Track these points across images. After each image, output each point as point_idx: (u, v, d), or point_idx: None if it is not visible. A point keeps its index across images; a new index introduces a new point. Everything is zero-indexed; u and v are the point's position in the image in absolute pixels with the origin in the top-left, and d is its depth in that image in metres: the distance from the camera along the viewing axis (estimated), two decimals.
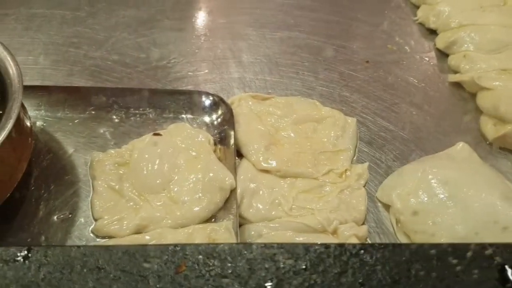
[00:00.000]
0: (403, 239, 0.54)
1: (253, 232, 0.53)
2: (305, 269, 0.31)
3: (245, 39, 0.76)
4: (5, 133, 0.47)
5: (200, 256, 0.31)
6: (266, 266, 0.31)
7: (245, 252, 0.32)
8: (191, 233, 0.51)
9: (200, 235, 0.50)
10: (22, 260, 0.30)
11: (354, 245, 0.32)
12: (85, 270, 0.30)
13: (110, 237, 0.51)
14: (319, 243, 0.33)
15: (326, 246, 0.32)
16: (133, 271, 0.30)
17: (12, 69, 0.51)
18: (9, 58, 0.52)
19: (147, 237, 0.50)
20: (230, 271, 0.31)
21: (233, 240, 0.50)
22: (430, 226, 0.53)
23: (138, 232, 0.51)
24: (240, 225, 0.53)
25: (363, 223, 0.55)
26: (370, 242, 0.53)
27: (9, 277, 0.30)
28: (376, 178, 0.60)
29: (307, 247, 0.32)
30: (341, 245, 0.32)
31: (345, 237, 0.51)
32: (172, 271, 0.30)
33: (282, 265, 0.31)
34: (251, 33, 0.77)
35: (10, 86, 0.50)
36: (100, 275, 0.30)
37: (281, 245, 0.32)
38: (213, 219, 0.53)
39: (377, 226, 0.56)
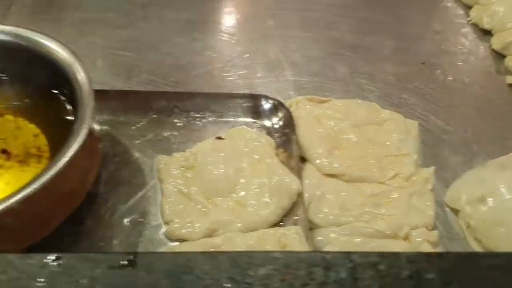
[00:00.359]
0: (474, 245, 0.53)
1: (321, 238, 0.52)
2: (410, 277, 0.31)
3: (297, 41, 0.76)
4: (80, 139, 0.47)
5: (303, 264, 0.31)
6: (370, 275, 0.31)
7: (346, 260, 0.32)
8: (262, 237, 0.51)
9: (270, 239, 0.50)
10: (128, 267, 0.30)
11: (455, 254, 0.32)
12: (192, 278, 0.30)
13: (182, 240, 0.52)
14: (413, 252, 0.33)
15: (428, 255, 0.32)
16: (239, 279, 0.30)
17: (80, 74, 0.52)
18: (77, 64, 0.53)
19: (218, 241, 0.51)
20: (334, 280, 0.31)
21: (304, 245, 0.50)
22: (502, 232, 0.52)
23: (208, 235, 0.52)
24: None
25: (433, 228, 0.55)
26: (441, 248, 0.53)
27: (116, 284, 0.30)
28: (442, 182, 0.59)
29: (407, 256, 0.32)
30: (441, 254, 0.32)
31: (417, 243, 0.51)
32: (277, 279, 0.30)
33: (385, 274, 0.31)
34: (302, 35, 0.77)
35: (80, 91, 0.51)
36: (206, 283, 0.30)
37: (382, 254, 0.32)
38: (281, 223, 0.53)
39: (446, 230, 0.55)
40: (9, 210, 0.43)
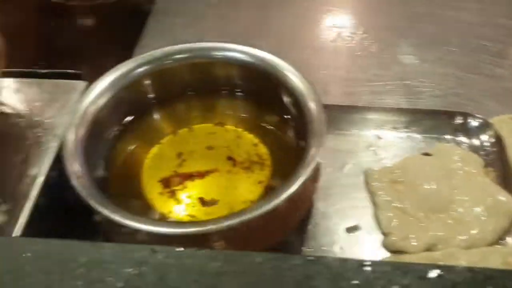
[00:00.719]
0: None
1: None
2: None
3: (476, 55, 0.75)
4: (315, 158, 0.50)
5: None
6: None
7: None
8: (485, 255, 0.51)
9: (494, 257, 0.51)
10: (435, 276, 0.33)
11: None
12: None
13: (400, 252, 0.54)
14: None
15: None
16: None
17: (313, 102, 0.55)
18: (311, 91, 0.55)
19: (439, 256, 0.52)
20: None
21: None
22: None
23: (427, 249, 0.53)
24: None
25: None
26: None
27: None
28: None
29: None
30: None
31: None
32: None
33: None
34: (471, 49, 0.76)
35: (311, 117, 0.53)
36: None
37: None
38: (500, 241, 0.54)
39: None
40: (264, 215, 0.47)
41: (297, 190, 0.48)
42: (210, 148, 0.61)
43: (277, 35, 0.81)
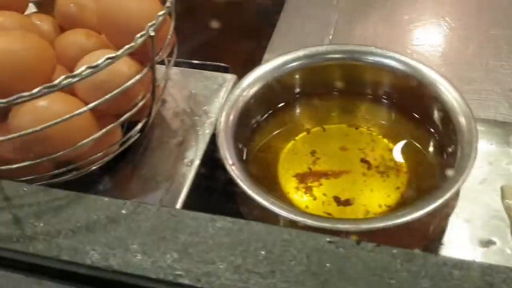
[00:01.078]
0: None
1: None
2: None
3: None
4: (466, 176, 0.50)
5: None
6: None
7: None
8: None
9: None
10: None
11: None
12: None
13: None
14: None
15: None
16: None
17: (464, 117, 0.54)
18: (463, 106, 0.55)
19: None
20: None
21: None
22: None
23: None
24: None
25: None
26: None
27: None
28: None
29: None
30: None
31: None
32: None
33: None
34: None
35: (462, 134, 0.53)
36: None
37: None
38: None
39: None
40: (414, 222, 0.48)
41: (444, 202, 0.49)
42: (343, 149, 0.62)
43: (403, 41, 0.81)
